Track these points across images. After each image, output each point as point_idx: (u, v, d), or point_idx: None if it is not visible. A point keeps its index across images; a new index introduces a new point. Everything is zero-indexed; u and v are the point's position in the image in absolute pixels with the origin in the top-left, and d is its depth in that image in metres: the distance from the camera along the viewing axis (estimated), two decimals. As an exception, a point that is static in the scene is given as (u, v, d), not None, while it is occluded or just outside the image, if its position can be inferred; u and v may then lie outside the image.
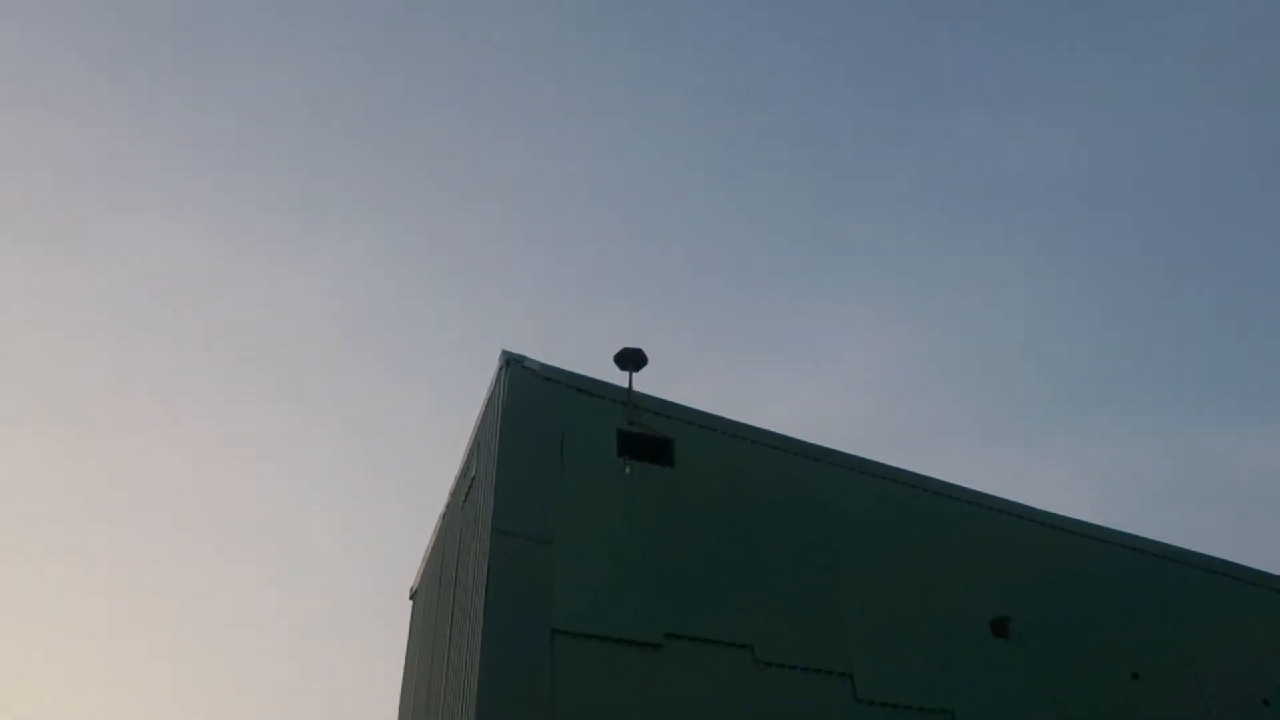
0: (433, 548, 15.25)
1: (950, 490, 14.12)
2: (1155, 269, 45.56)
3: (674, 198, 45.42)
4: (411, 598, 16.33)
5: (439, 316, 43.89)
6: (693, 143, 45.27)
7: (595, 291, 45.69)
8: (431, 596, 14.25)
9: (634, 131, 45.13)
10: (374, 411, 42.40)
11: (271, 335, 41.36)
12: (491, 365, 12.74)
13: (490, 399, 12.73)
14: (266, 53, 39.71)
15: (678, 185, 45.59)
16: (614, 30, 43.52)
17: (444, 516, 14.73)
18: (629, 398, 12.45)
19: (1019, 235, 45.66)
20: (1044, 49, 42.58)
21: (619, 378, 12.62)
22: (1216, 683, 13.77)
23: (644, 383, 12.71)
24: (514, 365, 12.20)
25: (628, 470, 11.79)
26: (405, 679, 15.09)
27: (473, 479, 12.72)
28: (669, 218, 45.39)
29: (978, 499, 14.28)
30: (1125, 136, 43.65)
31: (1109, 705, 12.73)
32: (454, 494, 14.16)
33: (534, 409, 11.88)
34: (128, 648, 34.39)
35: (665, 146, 45.31)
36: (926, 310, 45.00)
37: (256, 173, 40.98)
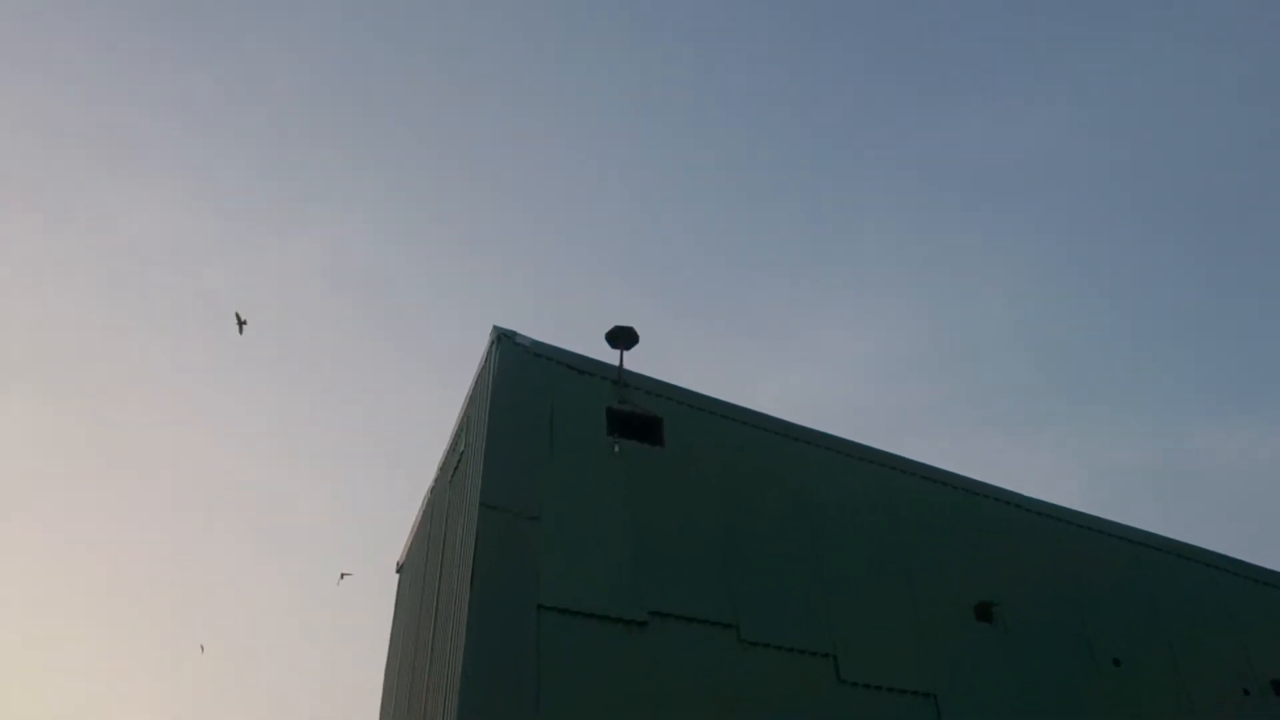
0: (420, 522, 15.25)
1: (937, 475, 14.14)
2: (1148, 261, 45.65)
3: (675, 182, 45.32)
4: (398, 571, 16.34)
5: (434, 290, 43.78)
6: (695, 131, 45.12)
7: (592, 271, 45.64)
8: (418, 570, 14.26)
9: (636, 122, 44.96)
10: (366, 384, 42.34)
11: (264, 305, 41.23)
12: (484, 340, 12.71)
13: (481, 374, 12.70)
14: (265, 21, 39.37)
15: (679, 171, 45.48)
16: (617, 23, 43.26)
17: (432, 490, 14.72)
18: (619, 376, 12.43)
19: (1014, 224, 45.67)
20: (1040, 38, 42.41)
21: (611, 355, 12.60)
22: (1197, 671, 13.84)
23: (635, 361, 12.70)
24: (505, 341, 12.16)
25: (616, 449, 11.78)
26: (390, 651, 15.11)
27: (461, 454, 12.70)
28: (670, 202, 45.31)
29: (965, 484, 14.30)
30: (1123, 125, 43.60)
31: (1090, 690, 12.81)
32: (443, 468, 14.15)
33: (524, 385, 11.86)
34: (108, 619, 34.43)
35: (667, 135, 45.15)
36: (919, 297, 45.03)
37: (254, 142, 40.71)
